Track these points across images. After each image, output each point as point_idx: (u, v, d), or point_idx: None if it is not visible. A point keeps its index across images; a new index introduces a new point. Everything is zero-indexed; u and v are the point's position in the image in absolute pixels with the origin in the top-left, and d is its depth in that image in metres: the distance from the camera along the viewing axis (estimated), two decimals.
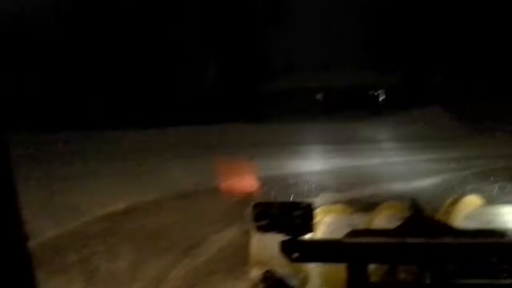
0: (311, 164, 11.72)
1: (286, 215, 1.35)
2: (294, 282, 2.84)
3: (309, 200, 1.48)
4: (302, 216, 1.35)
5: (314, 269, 2.86)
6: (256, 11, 29.18)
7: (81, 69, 25.35)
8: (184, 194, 8.57)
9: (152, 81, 25.87)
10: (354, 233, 1.50)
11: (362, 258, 1.35)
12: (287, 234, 1.36)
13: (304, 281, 2.87)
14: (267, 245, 3.04)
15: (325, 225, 2.12)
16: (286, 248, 1.36)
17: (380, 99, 28.02)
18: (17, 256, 0.83)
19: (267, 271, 2.94)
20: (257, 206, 1.40)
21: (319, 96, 28.05)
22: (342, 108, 24.99)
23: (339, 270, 2.53)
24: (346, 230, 1.57)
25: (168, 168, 11.36)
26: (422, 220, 1.64)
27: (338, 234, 1.67)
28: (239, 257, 4.76)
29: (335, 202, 3.74)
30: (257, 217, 1.39)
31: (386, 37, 29.07)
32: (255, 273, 3.10)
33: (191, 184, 9.28)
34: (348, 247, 1.37)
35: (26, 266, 0.85)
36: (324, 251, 1.38)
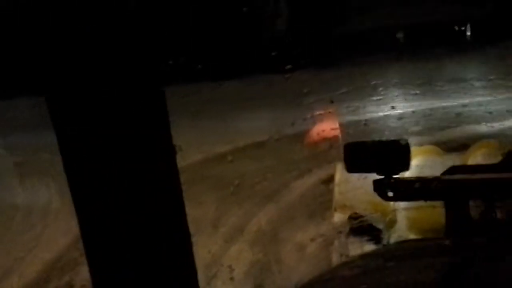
0: (394, 107, 11.33)
1: (380, 154, 1.27)
2: (380, 225, 2.75)
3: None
4: (399, 153, 1.27)
5: (400, 213, 2.73)
6: None
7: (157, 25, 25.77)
8: (262, 143, 8.60)
9: (222, 31, 25.95)
10: (452, 170, 1.41)
11: (463, 194, 1.29)
12: (381, 174, 1.28)
13: (390, 224, 2.76)
14: (351, 188, 2.93)
15: (415, 167, 1.98)
16: (381, 187, 1.29)
17: (467, 34, 26.37)
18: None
19: (353, 214, 2.87)
20: (349, 146, 1.32)
21: (399, 35, 26.88)
22: (425, 45, 23.80)
23: (426, 214, 2.39)
24: (438, 171, 1.46)
25: (244, 117, 11.43)
26: None
27: (431, 175, 1.54)
28: (320, 203, 4.71)
29: (423, 144, 3.53)
30: (349, 157, 1.32)
31: None
32: (339, 217, 3.02)
33: (269, 133, 9.28)
34: (448, 183, 1.29)
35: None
36: (422, 189, 1.30)
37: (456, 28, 26.99)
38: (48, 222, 5.54)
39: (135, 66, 0.75)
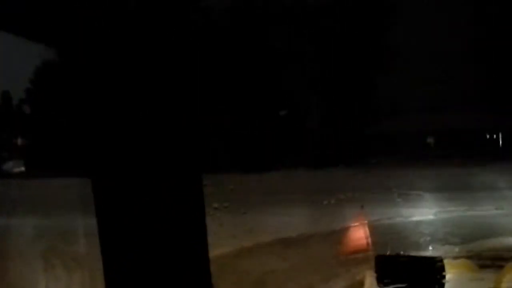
0: (424, 213, 11.12)
1: (414, 269, 1.25)
2: None
3: (426, 253, 1.35)
4: (433, 270, 1.25)
5: None
6: (364, 53, 29.01)
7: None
8: (290, 240, 8.48)
9: (255, 127, 26.51)
10: None
11: None
12: None
13: None
14: None
15: (447, 281, 1.93)
16: None
17: (500, 142, 26.27)
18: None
19: None
20: (380, 258, 1.31)
21: (429, 139, 26.94)
22: (455, 152, 23.73)
23: None
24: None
25: (274, 212, 11.37)
26: None
27: None
28: None
29: (454, 256, 3.43)
30: (380, 270, 1.30)
31: (503, 75, 27.45)
32: None
33: (297, 231, 9.17)
34: None
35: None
36: None
37: (488, 136, 27.02)
38: None
39: (178, 153, 0.80)
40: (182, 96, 0.83)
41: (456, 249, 6.77)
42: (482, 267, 3.45)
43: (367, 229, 6.47)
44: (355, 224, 6.73)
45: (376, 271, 1.34)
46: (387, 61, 28.79)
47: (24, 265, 7.79)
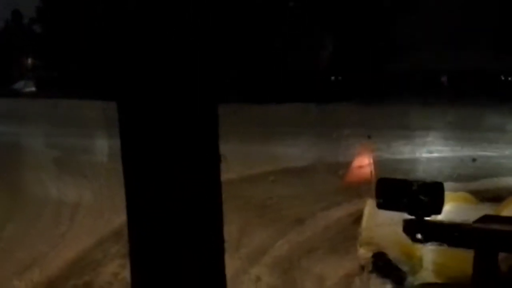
0: (432, 150, 11.15)
1: (414, 194, 1.24)
2: (405, 267, 2.68)
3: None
4: (433, 196, 1.24)
5: (427, 257, 2.66)
6: None
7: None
8: (295, 169, 8.58)
9: (270, 58, 26.19)
10: (485, 219, 1.37)
11: (494, 245, 1.23)
12: (411, 214, 1.26)
13: (416, 268, 2.69)
14: (379, 226, 2.88)
15: (447, 212, 1.94)
16: (411, 227, 1.26)
17: None
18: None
19: (378, 253, 2.81)
20: (382, 181, 1.30)
21: (443, 79, 26.56)
22: (469, 92, 23.42)
23: (453, 261, 2.32)
24: (470, 220, 1.43)
25: (282, 143, 11.46)
26: None
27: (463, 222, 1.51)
28: (344, 236, 4.65)
29: (455, 191, 3.45)
30: (381, 193, 1.29)
31: None
32: (363, 253, 2.97)
33: (303, 160, 9.26)
34: (479, 232, 1.25)
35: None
36: (453, 234, 1.26)
37: (502, 78, 26.51)
38: (76, 220, 5.63)
39: (196, 81, 0.84)
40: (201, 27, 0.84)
41: (458, 186, 6.84)
42: (483, 201, 3.46)
43: (371, 161, 6.52)
44: (360, 156, 6.78)
45: (376, 194, 1.33)
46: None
47: (37, 172, 8.02)
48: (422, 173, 8.45)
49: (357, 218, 3.12)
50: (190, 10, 0.83)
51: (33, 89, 32.13)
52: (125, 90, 0.87)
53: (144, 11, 0.80)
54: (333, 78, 25.87)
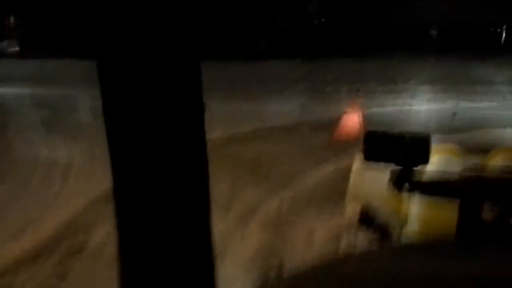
0: (420, 103, 11.20)
1: (402, 145, 1.25)
2: (391, 222, 2.73)
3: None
4: (419, 147, 1.25)
5: (413, 212, 2.70)
6: None
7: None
8: (284, 127, 8.59)
9: (253, 14, 25.73)
10: (470, 169, 1.39)
11: (479, 194, 1.25)
12: (399, 164, 1.27)
13: (402, 222, 2.73)
14: (367, 180, 2.91)
15: (435, 163, 1.96)
16: (398, 178, 1.27)
17: (502, 37, 25.72)
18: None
19: (364, 208, 2.85)
20: (370, 134, 1.30)
21: (433, 31, 26.34)
22: (458, 45, 23.32)
23: (439, 214, 2.36)
24: (457, 170, 1.44)
25: (269, 100, 11.42)
26: None
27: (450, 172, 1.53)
28: (334, 193, 4.71)
29: (444, 143, 3.48)
30: (368, 145, 1.30)
31: None
32: (351, 208, 3.01)
33: (291, 117, 9.27)
34: (465, 181, 1.27)
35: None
36: (438, 183, 1.28)
37: (492, 29, 26.37)
38: (67, 181, 5.64)
39: (176, 35, 0.82)
40: None
41: (445, 137, 6.90)
42: (470, 153, 3.49)
43: (360, 115, 6.54)
44: (349, 111, 6.79)
45: (364, 147, 1.34)
46: None
47: (25, 132, 7.97)
48: (409, 125, 8.52)
49: (346, 174, 3.15)
50: None
51: (17, 48, 31.51)
52: (103, 48, 0.84)
53: None
54: (317, 21, 25.43)
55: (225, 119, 8.85)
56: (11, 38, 32.91)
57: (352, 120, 6.65)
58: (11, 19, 35.32)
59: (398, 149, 1.30)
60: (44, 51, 23.72)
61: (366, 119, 6.85)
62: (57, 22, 26.09)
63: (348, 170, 3.37)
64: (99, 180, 5.13)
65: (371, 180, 2.98)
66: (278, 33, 25.29)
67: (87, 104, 9.63)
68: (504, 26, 25.74)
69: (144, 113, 0.83)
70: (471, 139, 6.87)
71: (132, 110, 0.83)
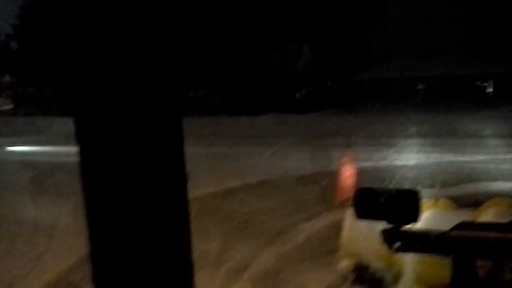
0: (410, 157, 11.27)
1: (391, 202, 1.25)
2: (386, 276, 2.68)
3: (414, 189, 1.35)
4: (409, 204, 1.25)
5: (408, 266, 2.67)
6: None
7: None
8: (274, 181, 8.58)
9: (244, 69, 26.27)
10: (461, 226, 1.38)
11: (470, 252, 1.24)
12: (389, 222, 1.26)
13: (397, 277, 2.69)
14: (360, 236, 2.89)
15: (426, 220, 1.95)
16: (388, 237, 1.26)
17: (488, 90, 26.32)
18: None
19: (358, 263, 2.81)
20: (361, 191, 1.30)
21: (420, 86, 26.92)
22: (445, 98, 23.80)
23: (434, 269, 2.34)
24: (449, 225, 1.44)
25: (260, 154, 11.45)
26: None
27: (441, 229, 1.52)
28: (327, 248, 4.64)
29: (435, 198, 3.49)
30: (359, 203, 1.29)
31: (496, 24, 27.16)
32: (345, 264, 2.96)
33: (282, 172, 9.27)
34: (456, 239, 1.26)
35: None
36: (430, 242, 1.27)
37: (478, 83, 27.05)
38: (54, 241, 5.53)
39: (157, 94, 0.80)
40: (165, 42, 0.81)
41: (437, 192, 6.90)
42: (461, 207, 3.50)
43: (352, 171, 6.56)
44: (341, 166, 6.82)
45: (355, 204, 1.33)
46: (382, 5, 28.31)
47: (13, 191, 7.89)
48: (400, 180, 8.53)
49: (338, 229, 3.12)
50: (153, 16, 0.81)
51: (11, 106, 31.79)
52: (81, 105, 0.83)
53: (106, 20, 0.78)
54: (303, 91, 25.97)
55: (216, 174, 8.85)
56: (5, 96, 33.26)
57: (342, 175, 6.66)
58: (6, 77, 35.78)
59: (388, 207, 1.29)
60: (38, 109, 23.90)
61: (357, 174, 6.87)
62: (50, 79, 26.45)
63: (340, 225, 3.34)
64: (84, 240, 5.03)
65: (364, 236, 2.95)
66: (268, 88, 25.76)
67: (74, 162, 9.62)
68: (490, 81, 26.41)
69: (123, 178, 0.81)
70: (461, 193, 6.88)
71: (110, 171, 0.81)
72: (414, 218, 1.27)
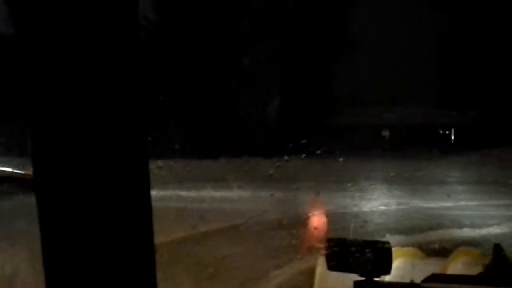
0: (376, 204, 11.40)
1: (362, 254, 1.27)
2: None
3: (382, 240, 1.38)
4: (380, 256, 1.27)
5: None
6: (323, 44, 29.19)
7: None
8: (244, 226, 8.52)
9: (216, 112, 26.38)
10: (433, 278, 1.42)
11: None
12: (361, 275, 1.28)
13: None
14: (332, 284, 2.88)
15: (395, 269, 1.97)
16: None
17: (451, 138, 27.12)
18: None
19: None
20: (332, 242, 1.32)
21: (385, 132, 27.54)
22: (410, 146, 24.36)
23: None
24: (419, 275, 1.46)
25: (229, 198, 11.39)
26: (507, 267, 1.51)
27: (410, 278, 1.55)
28: None
29: (401, 245, 3.54)
30: (330, 255, 1.31)
31: (458, 74, 28.28)
32: None
33: (252, 216, 9.22)
34: None
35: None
36: None
37: (441, 131, 27.84)
38: None
39: (124, 134, 0.77)
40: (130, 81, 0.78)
41: (405, 238, 6.98)
42: (429, 255, 3.55)
43: (321, 217, 6.59)
44: (310, 212, 6.84)
45: (326, 256, 1.35)
46: (349, 52, 29.15)
47: None
48: (369, 226, 8.59)
49: (310, 275, 3.12)
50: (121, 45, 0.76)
51: None
52: (38, 141, 0.77)
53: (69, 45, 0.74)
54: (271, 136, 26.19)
55: (185, 219, 8.72)
56: None
57: (312, 221, 6.69)
58: None
59: (359, 259, 1.31)
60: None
61: (326, 220, 6.91)
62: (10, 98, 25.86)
63: (311, 272, 3.34)
64: None
65: (336, 284, 2.95)
66: (236, 131, 25.86)
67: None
68: (452, 129, 27.26)
69: (84, 217, 0.76)
70: (428, 240, 6.97)
71: (68, 211, 0.76)
72: (387, 271, 1.29)
